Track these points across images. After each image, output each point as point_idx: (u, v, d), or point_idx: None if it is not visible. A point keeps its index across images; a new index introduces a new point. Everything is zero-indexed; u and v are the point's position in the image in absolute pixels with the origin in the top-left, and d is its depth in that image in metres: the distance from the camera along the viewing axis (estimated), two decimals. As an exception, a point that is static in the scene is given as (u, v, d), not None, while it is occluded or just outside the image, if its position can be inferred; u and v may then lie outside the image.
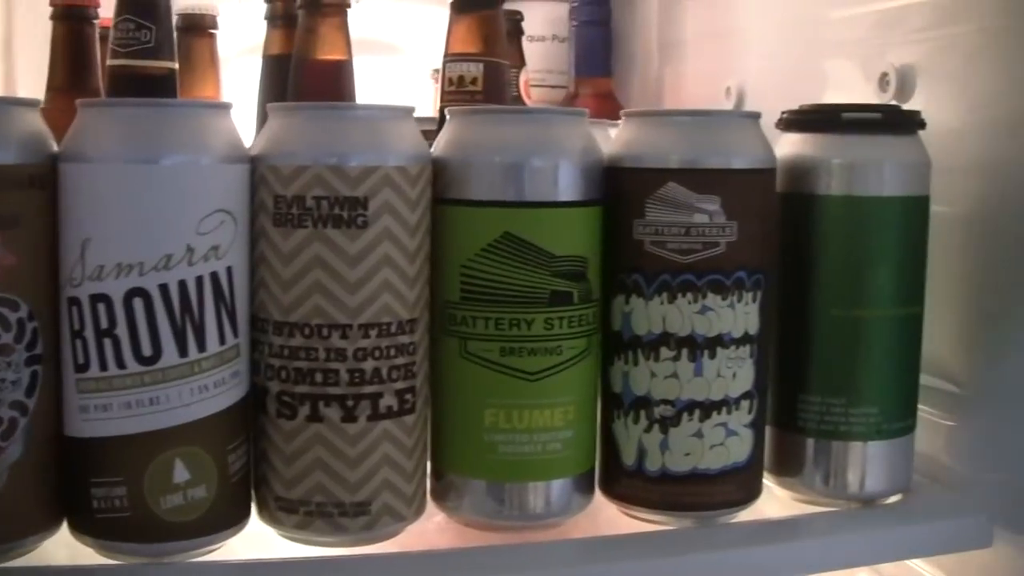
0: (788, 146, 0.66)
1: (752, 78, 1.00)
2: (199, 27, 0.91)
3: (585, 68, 1.17)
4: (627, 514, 0.65)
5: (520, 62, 1.03)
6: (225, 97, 0.95)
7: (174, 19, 0.87)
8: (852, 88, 0.82)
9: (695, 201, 0.60)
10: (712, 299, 0.61)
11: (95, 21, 0.80)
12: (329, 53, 0.77)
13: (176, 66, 0.74)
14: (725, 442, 0.62)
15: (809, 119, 0.67)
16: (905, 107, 0.70)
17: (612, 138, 0.65)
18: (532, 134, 0.60)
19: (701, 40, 1.12)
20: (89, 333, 0.54)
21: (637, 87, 1.23)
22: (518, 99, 1.01)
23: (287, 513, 0.58)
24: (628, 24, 1.24)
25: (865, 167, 0.64)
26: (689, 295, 0.60)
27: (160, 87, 0.72)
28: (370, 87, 0.98)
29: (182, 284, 0.54)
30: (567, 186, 0.60)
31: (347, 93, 0.78)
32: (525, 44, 1.06)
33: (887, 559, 0.72)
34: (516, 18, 1.04)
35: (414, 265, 0.58)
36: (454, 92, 0.75)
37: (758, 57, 1.00)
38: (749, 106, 0.97)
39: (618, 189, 0.62)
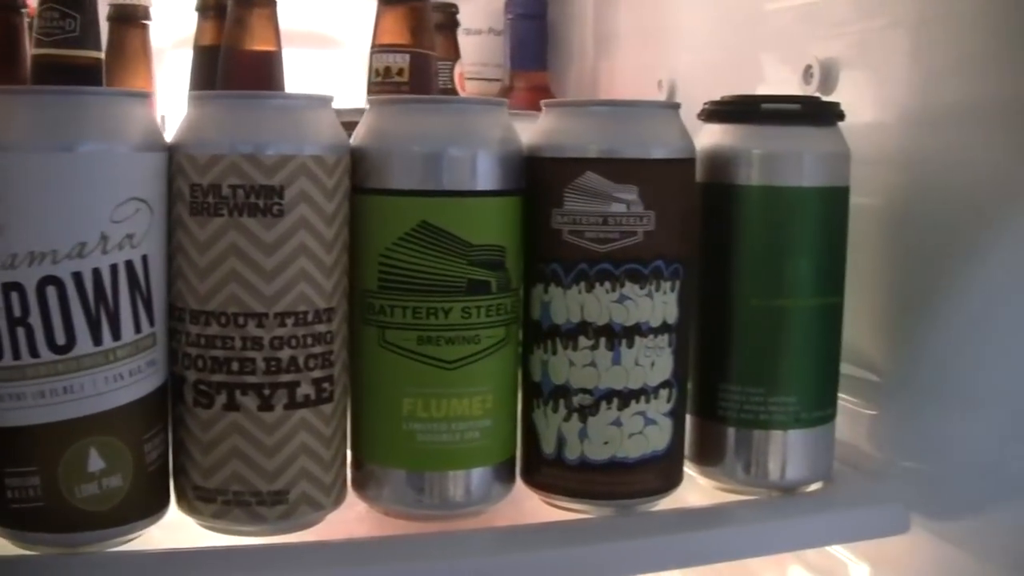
0: (709, 136, 0.67)
1: (684, 71, 1.01)
2: (131, 18, 0.90)
3: (520, 61, 1.18)
4: (548, 503, 0.65)
5: (455, 55, 1.03)
6: (161, 88, 0.94)
7: (106, 9, 0.87)
8: (780, 81, 0.83)
9: (612, 191, 0.60)
10: (630, 288, 0.61)
11: (23, 10, 0.80)
12: (258, 44, 0.78)
13: (102, 56, 0.73)
14: (644, 431, 0.62)
15: (729, 110, 0.67)
16: (827, 99, 0.71)
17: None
18: (450, 124, 0.60)
19: (635, 34, 1.13)
20: (1, 321, 0.53)
21: (573, 80, 1.24)
22: (452, 91, 1.01)
23: (205, 502, 0.58)
24: (564, 18, 1.24)
25: (784, 158, 0.65)
26: (607, 284, 0.61)
27: (85, 77, 0.71)
28: (309, 80, 0.98)
29: (96, 272, 0.54)
30: (485, 175, 0.60)
31: (275, 84, 0.78)
32: (461, 37, 1.06)
33: (806, 546, 0.73)
34: (452, 11, 1.04)
35: (331, 254, 0.58)
36: (381, 83, 0.75)
37: (690, 50, 1.00)
38: (680, 99, 0.97)
39: (537, 179, 0.62)
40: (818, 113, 0.66)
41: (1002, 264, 0.64)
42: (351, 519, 0.63)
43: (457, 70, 1.03)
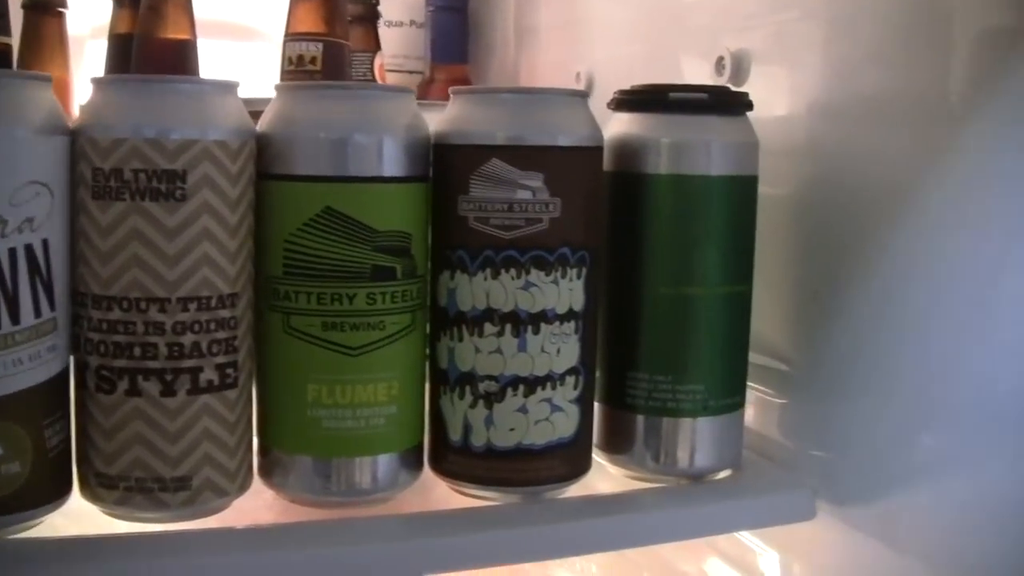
0: (618, 125, 0.67)
1: (601, 63, 1.01)
2: (47, 6, 0.90)
3: (441, 54, 1.18)
4: (455, 490, 0.65)
5: (375, 46, 1.03)
6: (80, 77, 0.94)
7: (20, -3, 0.87)
8: (695, 72, 0.83)
9: (518, 177, 0.60)
10: (535, 275, 0.61)
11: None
12: (171, 32, 0.77)
13: (11, 42, 0.73)
14: (550, 418, 0.63)
15: (638, 99, 0.67)
16: (737, 89, 0.71)
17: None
18: (356, 110, 0.60)
19: (555, 27, 1.14)
20: (-103, 305, 0.53)
21: (494, 73, 1.24)
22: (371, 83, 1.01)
23: (107, 489, 0.58)
24: (485, 10, 1.24)
25: (693, 147, 0.65)
26: (512, 271, 0.61)
27: (-5, 63, 0.71)
28: (231, 71, 0.98)
29: (-6, 256, 0.53)
30: (390, 162, 0.60)
31: (190, 73, 0.78)
32: (382, 29, 1.06)
33: (713, 532, 0.73)
34: (372, 2, 1.04)
35: (235, 240, 0.58)
36: (293, 71, 0.75)
37: (607, 43, 1.01)
38: (598, 90, 0.98)
39: (444, 166, 0.62)
40: (726, 103, 0.67)
41: (904, 256, 0.64)
42: (259, 507, 0.63)
43: (378, 62, 1.03)
